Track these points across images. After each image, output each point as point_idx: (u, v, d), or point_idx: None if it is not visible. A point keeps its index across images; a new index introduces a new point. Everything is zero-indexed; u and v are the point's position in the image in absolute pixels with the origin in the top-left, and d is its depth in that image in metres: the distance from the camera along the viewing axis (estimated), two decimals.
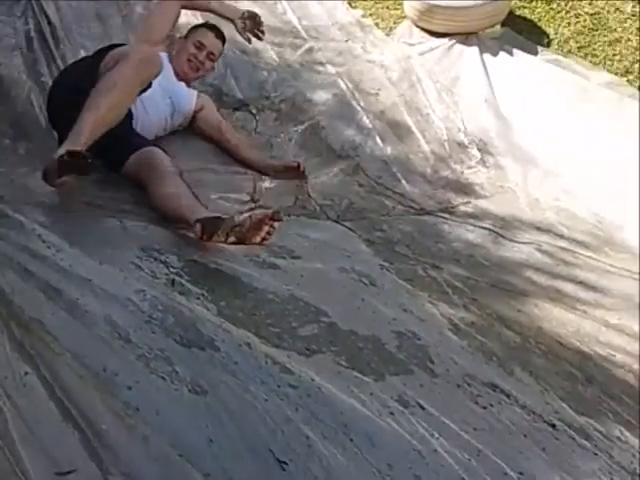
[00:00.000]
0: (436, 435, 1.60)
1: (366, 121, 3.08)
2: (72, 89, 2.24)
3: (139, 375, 1.50)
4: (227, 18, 2.93)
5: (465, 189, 2.99)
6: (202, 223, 1.93)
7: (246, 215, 1.89)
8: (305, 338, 1.79)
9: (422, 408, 1.69)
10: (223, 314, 1.77)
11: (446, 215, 2.78)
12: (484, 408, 1.76)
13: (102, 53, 2.37)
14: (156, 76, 2.30)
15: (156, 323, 1.66)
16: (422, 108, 3.28)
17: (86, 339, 1.54)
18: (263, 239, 1.90)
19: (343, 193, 2.76)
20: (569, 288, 2.45)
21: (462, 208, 2.86)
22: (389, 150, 3.02)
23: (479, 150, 3.19)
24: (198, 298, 1.80)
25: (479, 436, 1.65)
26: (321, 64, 3.31)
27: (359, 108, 3.14)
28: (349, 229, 2.53)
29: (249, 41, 2.98)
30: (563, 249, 2.68)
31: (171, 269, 1.88)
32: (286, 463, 1.41)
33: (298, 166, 2.67)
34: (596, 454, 1.75)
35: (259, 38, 3.02)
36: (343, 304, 2.00)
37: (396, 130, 3.14)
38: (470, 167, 3.11)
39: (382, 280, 2.22)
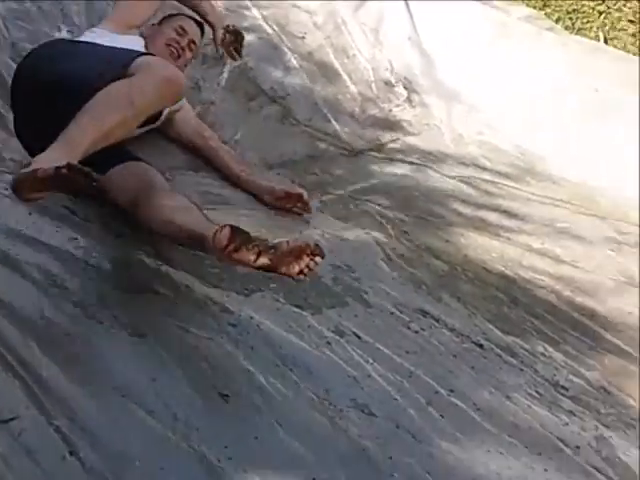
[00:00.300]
0: (370, 361, 1.69)
1: (294, 62, 3.07)
2: (69, 89, 1.85)
3: (78, 321, 1.52)
4: (209, 24, 2.61)
5: (393, 127, 3.03)
6: (232, 229, 1.56)
7: (282, 240, 1.60)
8: (243, 278, 1.82)
9: (357, 337, 1.77)
10: (161, 257, 1.79)
11: (376, 152, 2.83)
12: (415, 332, 1.85)
13: (125, 62, 1.89)
14: (177, 101, 2.00)
15: (92, 269, 1.66)
16: (348, 49, 3.28)
17: (21, 289, 1.54)
18: (301, 271, 1.57)
19: (274, 137, 2.76)
20: (493, 217, 2.55)
21: (391, 145, 2.91)
22: (318, 91, 3.03)
23: (405, 88, 3.22)
24: (134, 241, 1.80)
25: (411, 359, 1.74)
26: (246, 8, 3.26)
27: (286, 50, 3.12)
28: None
29: (222, 56, 2.66)
30: (486, 181, 2.78)
31: (105, 212, 1.87)
32: (228, 396, 1.47)
33: (301, 195, 2.30)
34: (522, 369, 1.87)
35: (232, 57, 2.66)
36: None
37: (324, 71, 3.15)
38: (397, 105, 3.15)
39: (317, 217, 2.27)
